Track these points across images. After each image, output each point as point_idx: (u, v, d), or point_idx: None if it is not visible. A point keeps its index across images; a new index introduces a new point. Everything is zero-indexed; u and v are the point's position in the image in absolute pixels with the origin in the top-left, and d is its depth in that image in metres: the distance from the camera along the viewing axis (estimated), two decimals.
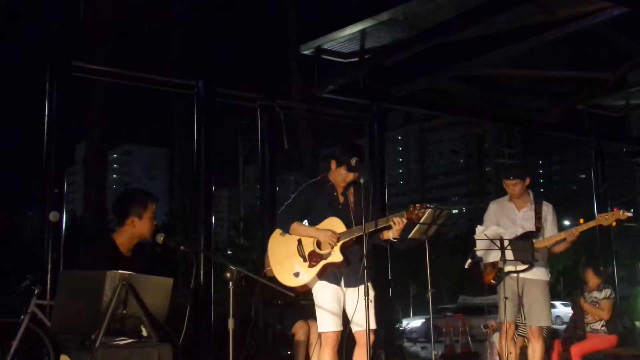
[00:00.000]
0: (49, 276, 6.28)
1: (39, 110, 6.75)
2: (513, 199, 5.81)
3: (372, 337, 4.36)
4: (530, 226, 5.68)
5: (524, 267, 5.55)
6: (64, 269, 6.27)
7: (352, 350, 4.61)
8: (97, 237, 9.48)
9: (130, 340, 3.69)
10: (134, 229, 4.07)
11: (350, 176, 4.59)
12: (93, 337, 3.48)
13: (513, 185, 5.72)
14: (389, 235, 4.59)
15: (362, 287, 4.31)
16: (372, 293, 4.35)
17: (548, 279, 5.70)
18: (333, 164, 4.64)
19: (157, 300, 3.71)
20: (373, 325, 4.38)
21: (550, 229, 5.71)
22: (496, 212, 5.87)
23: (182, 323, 4.06)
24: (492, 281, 5.74)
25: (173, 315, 3.93)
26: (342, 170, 4.58)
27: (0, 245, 25.70)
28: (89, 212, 11.79)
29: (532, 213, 5.72)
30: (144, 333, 3.65)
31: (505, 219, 5.77)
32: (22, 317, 5.63)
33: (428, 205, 4.53)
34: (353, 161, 4.50)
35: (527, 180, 5.74)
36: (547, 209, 5.77)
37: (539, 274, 5.64)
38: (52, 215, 6.35)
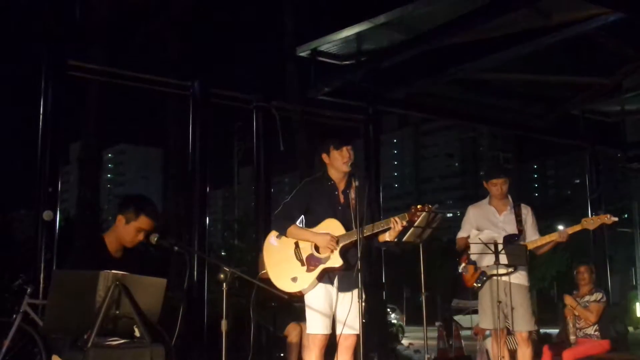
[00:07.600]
0: (41, 275, 6.26)
1: (33, 109, 6.73)
2: (495, 201, 5.78)
3: (355, 340, 4.37)
4: (512, 229, 5.67)
5: (507, 270, 5.51)
6: (57, 269, 6.24)
7: (332, 353, 4.51)
8: (89, 236, 9.46)
9: (123, 341, 3.67)
10: (118, 230, 4.07)
11: (346, 153, 4.45)
12: (85, 337, 3.46)
13: (502, 184, 5.71)
14: (386, 237, 4.55)
15: (355, 291, 4.30)
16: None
17: (528, 284, 5.69)
18: (325, 157, 4.52)
19: (150, 301, 3.70)
20: (358, 330, 4.32)
21: (530, 231, 5.71)
22: (476, 217, 5.83)
23: (175, 324, 4.05)
24: (474, 285, 5.71)
25: (166, 316, 3.91)
26: (336, 154, 4.46)
27: None
28: (83, 211, 11.76)
29: (513, 216, 5.71)
30: (137, 334, 3.63)
31: (487, 223, 5.73)
32: (14, 316, 5.60)
33: (430, 206, 4.49)
34: (336, 141, 4.44)
35: (510, 179, 5.78)
36: (527, 212, 5.76)
37: (521, 278, 5.61)
38: (46, 215, 6.34)
